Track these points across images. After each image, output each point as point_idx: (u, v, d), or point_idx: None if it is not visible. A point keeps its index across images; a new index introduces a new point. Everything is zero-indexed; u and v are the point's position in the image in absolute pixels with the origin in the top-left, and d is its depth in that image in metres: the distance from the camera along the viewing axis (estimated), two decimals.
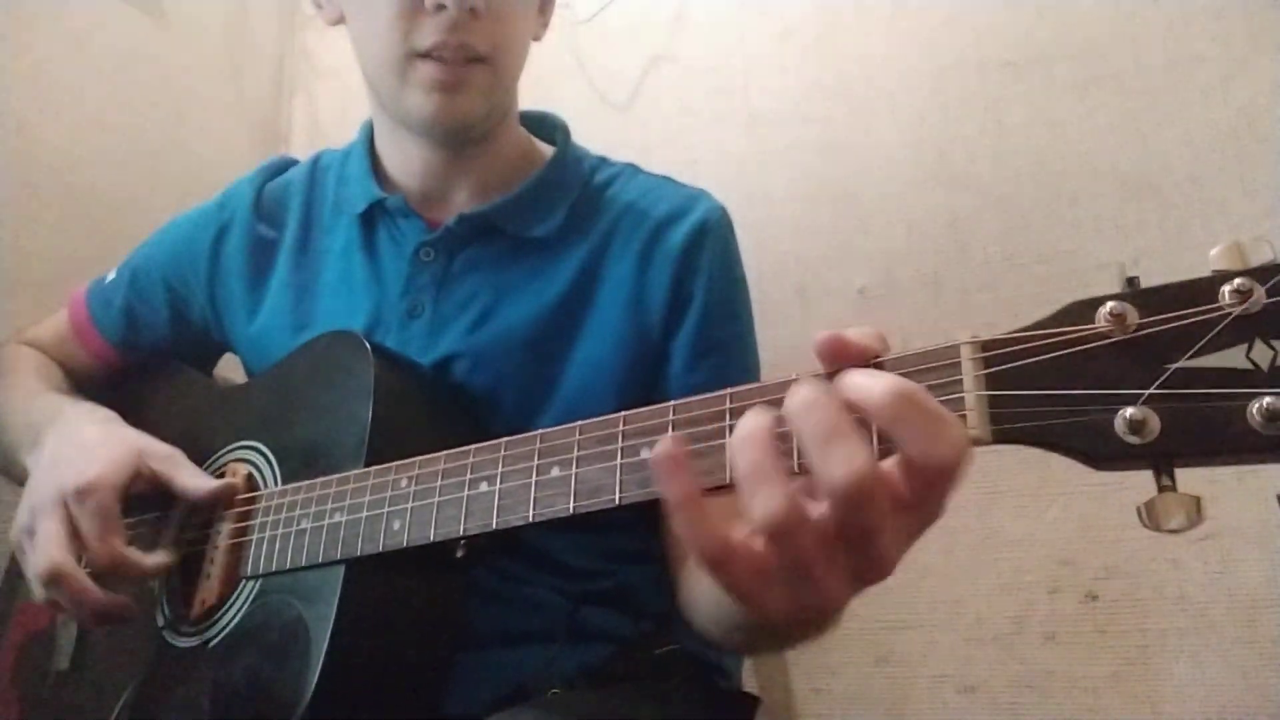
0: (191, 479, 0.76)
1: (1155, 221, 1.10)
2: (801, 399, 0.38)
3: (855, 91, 1.30)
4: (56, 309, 1.03)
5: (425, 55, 0.76)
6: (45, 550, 0.70)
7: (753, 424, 0.40)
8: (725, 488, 0.45)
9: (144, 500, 0.76)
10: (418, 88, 0.78)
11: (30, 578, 0.72)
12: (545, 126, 0.94)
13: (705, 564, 0.41)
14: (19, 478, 0.80)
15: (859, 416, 0.38)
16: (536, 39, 0.90)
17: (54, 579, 0.69)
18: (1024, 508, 1.10)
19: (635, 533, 0.82)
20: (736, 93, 1.38)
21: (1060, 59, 1.18)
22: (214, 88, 1.58)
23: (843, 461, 0.37)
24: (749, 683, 1.08)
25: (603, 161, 0.94)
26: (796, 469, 0.43)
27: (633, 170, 0.94)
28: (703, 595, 0.66)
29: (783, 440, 0.40)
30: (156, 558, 0.74)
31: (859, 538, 0.38)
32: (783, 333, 1.09)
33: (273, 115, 1.71)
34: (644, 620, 0.81)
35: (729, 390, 0.48)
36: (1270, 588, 0.97)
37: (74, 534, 0.71)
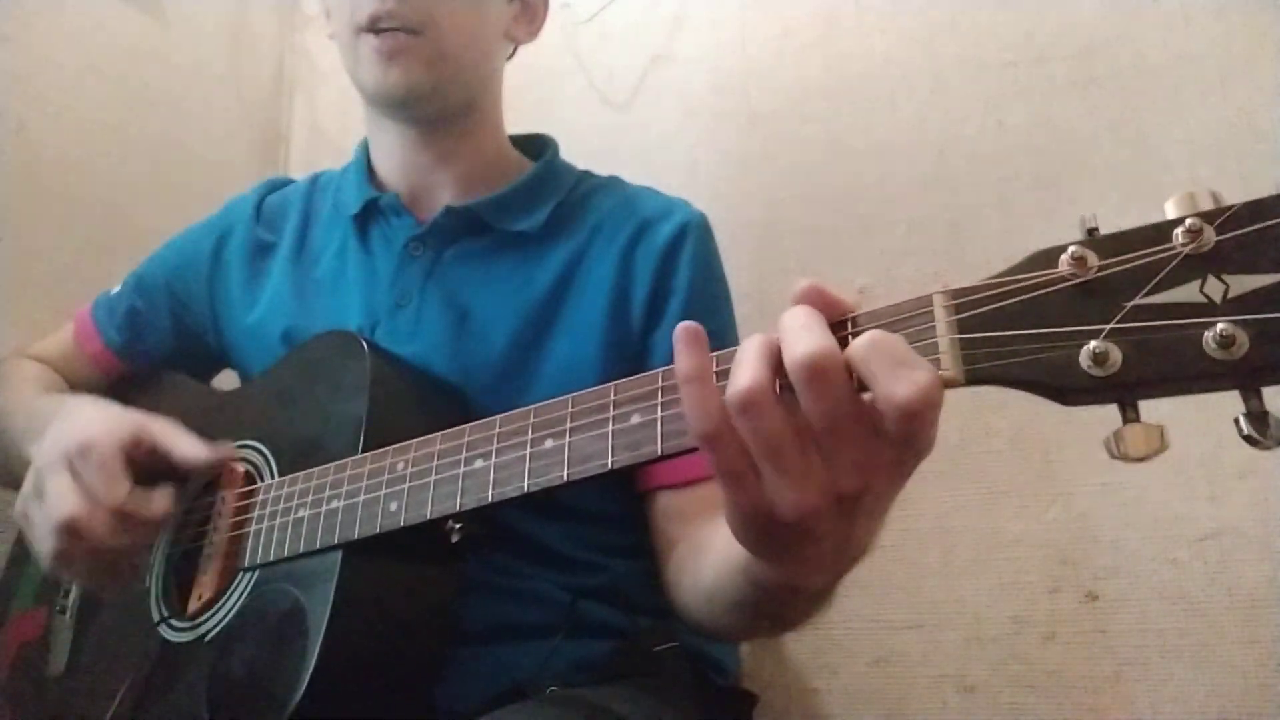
0: (191, 447, 0.77)
1: (1155, 221, 1.09)
2: (791, 312, 0.44)
3: (855, 91, 1.29)
4: (57, 308, 1.05)
5: (369, 30, 0.83)
6: (58, 503, 0.71)
7: (755, 337, 0.45)
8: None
9: (146, 479, 0.76)
10: (365, 60, 0.85)
11: (41, 538, 0.73)
12: (535, 145, 0.99)
13: (701, 439, 0.45)
14: (21, 474, 0.81)
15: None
16: (513, 38, 0.94)
17: (70, 529, 0.70)
18: (1024, 508, 1.09)
19: (627, 526, 0.83)
20: (736, 93, 1.38)
21: (1060, 59, 1.17)
22: (214, 88, 1.58)
23: (804, 343, 0.41)
24: (748, 684, 1.08)
25: (587, 174, 0.99)
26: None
27: (618, 181, 0.99)
28: (699, 573, 0.67)
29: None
30: (161, 502, 0.73)
31: (827, 430, 0.42)
32: None
33: (273, 115, 1.70)
34: (641, 616, 0.81)
35: (714, 354, 0.49)
36: (1270, 588, 0.97)
37: (82, 488, 0.71)
